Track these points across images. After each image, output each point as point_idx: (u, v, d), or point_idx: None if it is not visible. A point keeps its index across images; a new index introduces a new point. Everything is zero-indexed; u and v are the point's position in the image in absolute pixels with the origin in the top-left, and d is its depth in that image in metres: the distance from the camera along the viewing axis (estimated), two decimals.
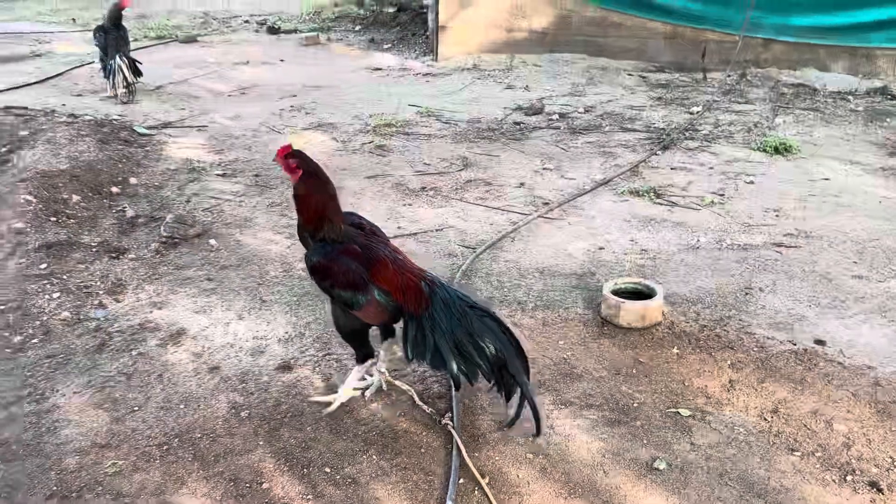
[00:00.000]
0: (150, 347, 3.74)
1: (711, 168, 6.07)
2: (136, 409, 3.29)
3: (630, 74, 9.18)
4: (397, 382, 3.41)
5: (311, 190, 3.09)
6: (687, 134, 6.86)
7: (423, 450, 3.04)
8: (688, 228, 4.99)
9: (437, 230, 5.02)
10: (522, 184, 5.80)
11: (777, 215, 5.17)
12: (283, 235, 4.98)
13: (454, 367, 3.02)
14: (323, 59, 10.65)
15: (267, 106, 8.07)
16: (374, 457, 3.00)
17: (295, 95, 8.52)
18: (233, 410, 3.27)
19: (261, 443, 3.08)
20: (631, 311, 3.84)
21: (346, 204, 5.45)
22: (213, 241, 4.83)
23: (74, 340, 3.78)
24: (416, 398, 3.30)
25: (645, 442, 3.09)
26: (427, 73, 9.54)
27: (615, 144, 6.65)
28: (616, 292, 3.95)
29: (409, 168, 6.17)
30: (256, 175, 6.05)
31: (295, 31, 12.85)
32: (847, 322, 3.92)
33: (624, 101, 8.01)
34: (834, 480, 2.87)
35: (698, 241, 4.81)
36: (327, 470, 2.93)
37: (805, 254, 4.62)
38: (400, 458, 2.99)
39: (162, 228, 4.94)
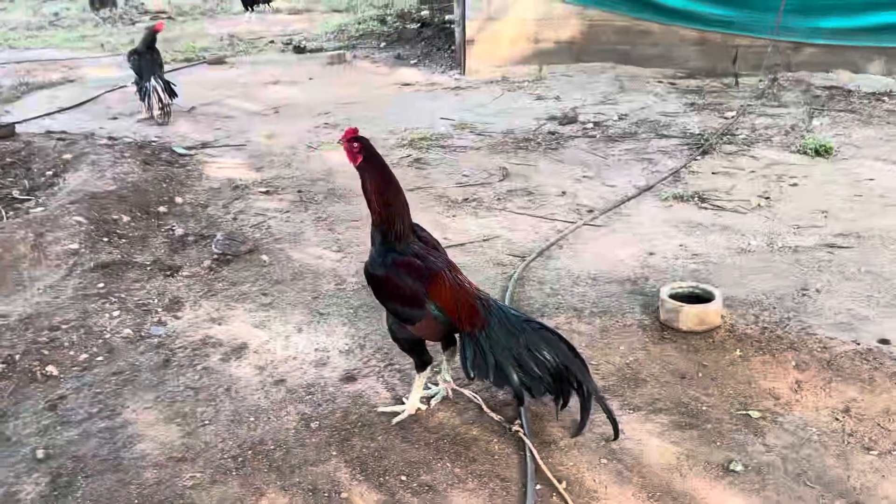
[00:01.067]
0: (213, 362, 3.77)
1: (753, 171, 6.06)
2: (207, 422, 3.32)
3: (660, 82, 9.19)
4: (463, 390, 3.42)
5: (374, 177, 3.09)
6: (725, 138, 6.85)
7: (496, 457, 3.05)
8: (736, 232, 4.98)
9: (483, 240, 5.04)
10: (564, 192, 5.81)
11: (825, 216, 5.15)
12: (332, 250, 5.01)
13: (517, 382, 3.03)
14: (351, 77, 10.74)
15: (301, 124, 8.15)
16: (448, 464, 3.01)
17: (328, 112, 8.59)
18: (303, 422, 3.29)
19: (334, 453, 3.10)
20: (691, 315, 3.83)
21: None
22: (264, 257, 4.88)
23: (138, 357, 3.83)
24: (484, 406, 3.31)
25: (718, 444, 3.08)
26: (456, 87, 9.60)
27: (653, 151, 6.66)
28: (673, 296, 3.95)
29: (449, 180, 6.21)
30: (299, 191, 6.10)
31: (320, 49, 12.97)
32: None
33: (657, 108, 8.02)
34: None
35: (748, 244, 4.80)
36: (403, 478, 2.94)
37: (858, 254, 4.60)
38: (474, 465, 3.00)
39: (213, 246, 5.00)
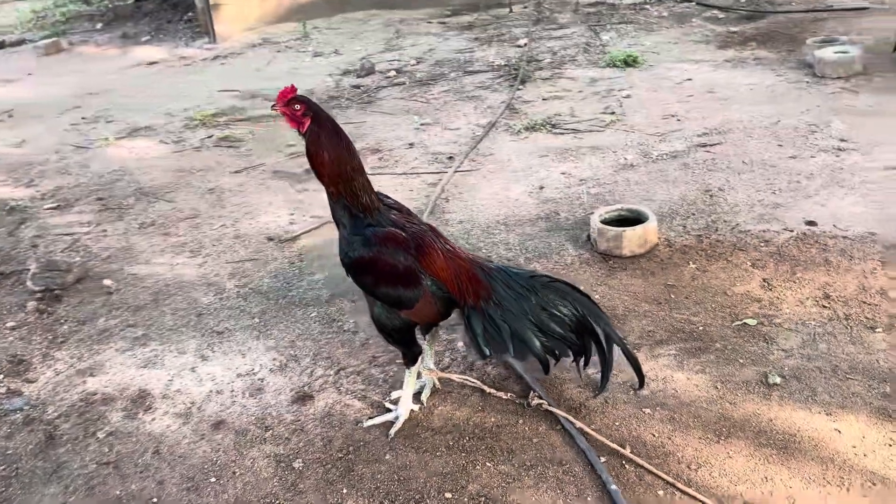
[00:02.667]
0: (117, 423, 2.92)
1: (580, 91, 5.99)
2: (155, 499, 2.53)
3: (429, 23, 8.91)
4: (451, 376, 2.92)
5: (329, 142, 2.56)
6: (532, 65, 6.74)
7: (535, 440, 2.62)
8: (607, 150, 4.86)
9: None
10: (411, 144, 5.35)
11: (678, 120, 5.20)
12: (185, 255, 4.18)
13: (540, 349, 2.61)
14: (80, 65, 9.27)
15: (51, 124, 6.83)
16: (488, 464, 2.53)
17: (78, 107, 7.29)
18: (281, 464, 2.63)
19: (345, 490, 2.49)
20: (633, 239, 3.62)
21: (233, 204, 4.74)
22: (107, 282, 3.93)
23: (6, 444, 2.86)
24: (486, 388, 2.84)
25: (741, 362, 2.89)
26: (216, 57, 8.62)
27: (472, 88, 6.37)
28: (604, 223, 3.71)
29: (277, 153, 5.49)
30: (99, 199, 5.05)
31: (23, 41, 11.09)
32: (816, 199, 3.98)
33: (446, 47, 7.73)
34: None
35: (626, 159, 4.69)
36: (447, 495, 2.42)
37: (732, 148, 4.66)
38: (517, 456, 2.55)
39: (29, 282, 3.94)
